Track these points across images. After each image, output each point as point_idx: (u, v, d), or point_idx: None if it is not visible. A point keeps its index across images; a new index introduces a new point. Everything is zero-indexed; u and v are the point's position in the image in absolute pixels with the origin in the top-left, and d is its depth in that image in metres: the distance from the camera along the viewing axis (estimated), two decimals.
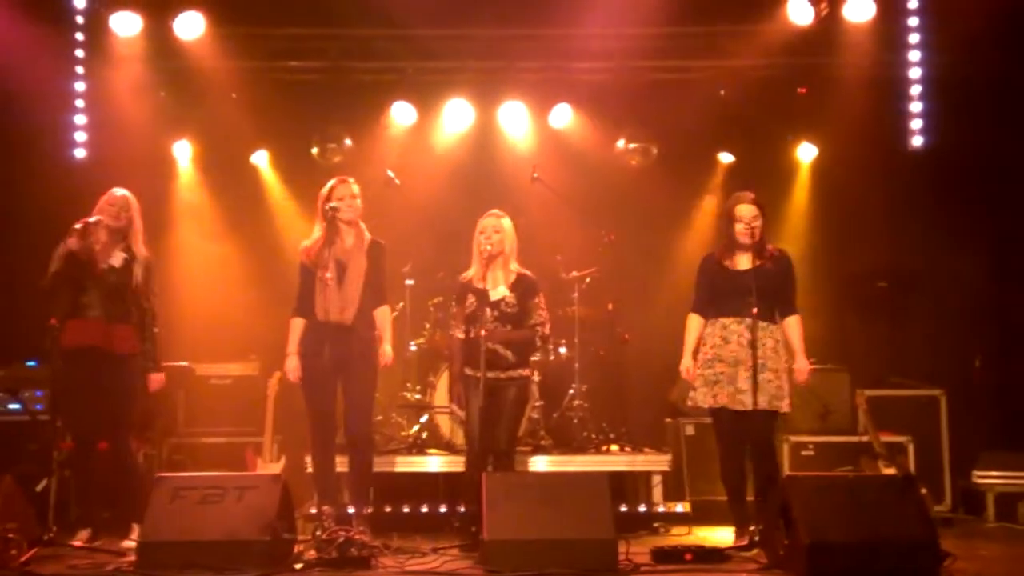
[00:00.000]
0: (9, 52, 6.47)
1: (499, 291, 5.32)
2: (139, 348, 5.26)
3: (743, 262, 5.26)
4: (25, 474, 5.30)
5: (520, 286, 5.36)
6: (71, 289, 5.14)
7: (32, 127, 6.81)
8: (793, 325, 5.26)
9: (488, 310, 5.26)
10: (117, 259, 5.23)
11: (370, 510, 5.57)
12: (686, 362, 5.28)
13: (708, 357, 5.23)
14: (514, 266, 5.40)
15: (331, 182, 5.41)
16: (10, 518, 4.65)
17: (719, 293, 5.26)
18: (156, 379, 5.33)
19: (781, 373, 5.17)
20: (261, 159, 7.62)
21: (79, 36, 6.94)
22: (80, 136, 7.04)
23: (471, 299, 5.32)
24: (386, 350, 5.39)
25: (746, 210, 5.23)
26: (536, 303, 5.36)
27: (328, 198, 5.31)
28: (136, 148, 6.97)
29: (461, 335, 5.35)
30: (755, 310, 5.07)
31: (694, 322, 5.33)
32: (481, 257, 5.34)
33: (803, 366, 5.22)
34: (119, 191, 5.34)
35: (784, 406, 5.17)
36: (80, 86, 7.01)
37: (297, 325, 5.35)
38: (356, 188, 5.38)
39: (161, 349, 5.36)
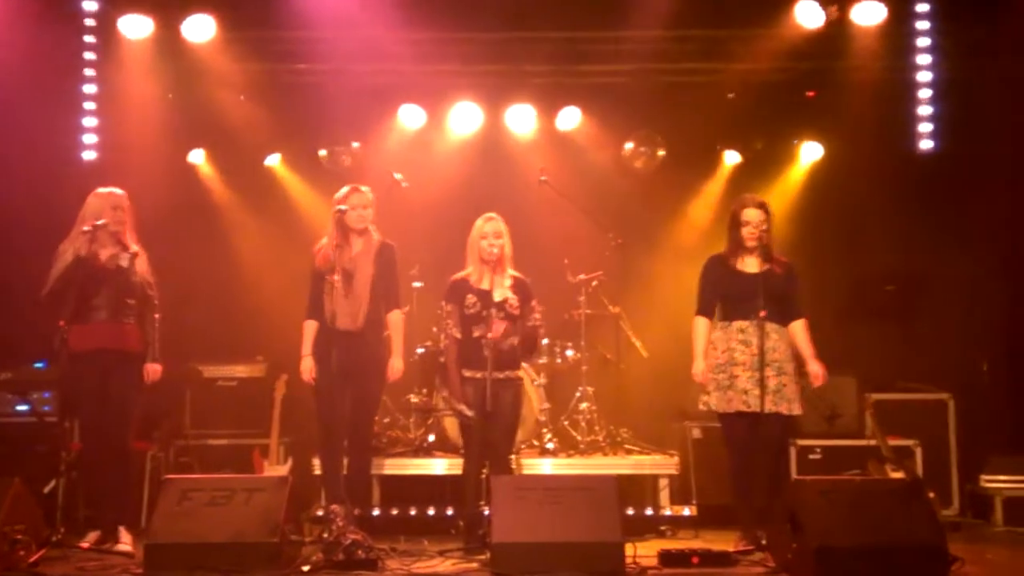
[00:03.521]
0: (18, 54, 6.49)
1: (502, 292, 5.34)
2: (145, 346, 5.32)
3: (752, 265, 5.27)
4: (33, 475, 5.33)
5: (519, 289, 5.40)
6: (78, 293, 5.17)
7: (41, 129, 6.82)
8: (799, 329, 5.27)
9: (494, 311, 5.27)
10: (123, 259, 5.27)
11: (371, 512, 5.60)
12: (698, 366, 5.28)
13: (721, 361, 5.23)
14: (510, 269, 5.43)
15: (345, 189, 5.47)
16: (18, 519, 4.67)
17: (729, 296, 5.28)
18: (152, 369, 5.33)
19: (793, 376, 5.18)
20: (271, 161, 7.65)
21: (89, 39, 6.95)
22: (89, 138, 7.06)
23: (471, 299, 5.35)
24: (395, 365, 5.45)
25: (754, 214, 5.25)
26: (533, 306, 5.41)
27: (340, 203, 5.39)
28: (145, 150, 6.98)
29: (459, 335, 5.36)
30: (763, 312, 5.08)
31: (701, 325, 5.33)
32: (486, 261, 5.36)
33: (817, 369, 5.22)
34: (115, 190, 5.37)
35: (796, 408, 5.19)
36: (90, 88, 7.03)
37: (310, 327, 5.41)
38: (370, 196, 5.44)
39: (162, 339, 5.39)
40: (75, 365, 5.15)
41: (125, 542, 5.09)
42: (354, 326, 5.25)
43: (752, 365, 5.14)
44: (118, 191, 5.37)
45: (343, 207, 5.32)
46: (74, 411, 5.26)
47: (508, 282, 5.39)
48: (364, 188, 5.48)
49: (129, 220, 5.35)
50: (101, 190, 5.37)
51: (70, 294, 5.13)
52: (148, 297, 5.35)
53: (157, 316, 5.37)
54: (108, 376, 5.19)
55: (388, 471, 6.02)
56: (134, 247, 5.34)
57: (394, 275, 5.51)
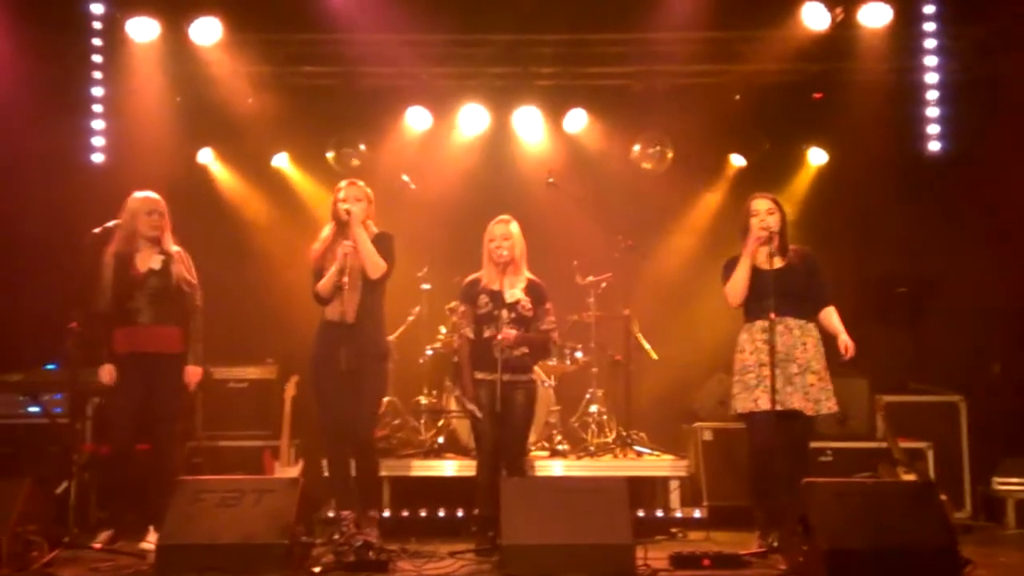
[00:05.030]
0: (26, 58, 6.51)
1: (514, 293, 5.34)
2: (187, 348, 5.36)
3: (766, 263, 5.23)
4: (45, 477, 5.33)
5: (532, 291, 5.39)
6: (115, 297, 5.24)
7: (50, 132, 6.84)
8: (829, 313, 5.24)
9: (505, 312, 5.27)
10: (156, 262, 5.31)
11: (382, 513, 5.58)
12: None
13: (748, 363, 5.18)
14: (525, 271, 5.43)
15: (341, 184, 5.45)
16: (31, 520, 4.69)
17: (748, 296, 5.23)
18: (193, 371, 5.38)
19: (824, 373, 5.14)
20: (280, 163, 7.67)
21: (96, 42, 6.97)
22: (98, 141, 7.09)
23: (484, 299, 5.35)
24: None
25: (762, 204, 5.25)
26: (547, 309, 5.40)
27: (339, 200, 5.35)
28: (153, 152, 6.99)
29: (471, 335, 5.37)
30: (772, 314, 5.05)
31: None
32: (496, 263, 5.36)
33: (847, 342, 5.19)
34: (152, 195, 5.40)
35: (829, 407, 5.14)
36: (98, 91, 7.05)
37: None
38: (367, 190, 5.40)
39: (204, 342, 5.44)
40: (117, 367, 5.23)
41: (150, 541, 5.06)
42: (350, 318, 5.22)
43: (770, 363, 5.11)
44: (154, 195, 5.41)
45: (348, 207, 5.29)
46: (115, 412, 5.29)
47: (522, 284, 5.39)
48: (359, 182, 5.45)
49: (167, 224, 5.39)
50: (137, 194, 5.41)
51: (104, 298, 5.22)
52: (188, 298, 5.38)
53: (199, 318, 5.40)
54: (149, 378, 5.24)
55: (398, 473, 6.02)
56: (175, 248, 5.38)
57: (390, 259, 5.33)
